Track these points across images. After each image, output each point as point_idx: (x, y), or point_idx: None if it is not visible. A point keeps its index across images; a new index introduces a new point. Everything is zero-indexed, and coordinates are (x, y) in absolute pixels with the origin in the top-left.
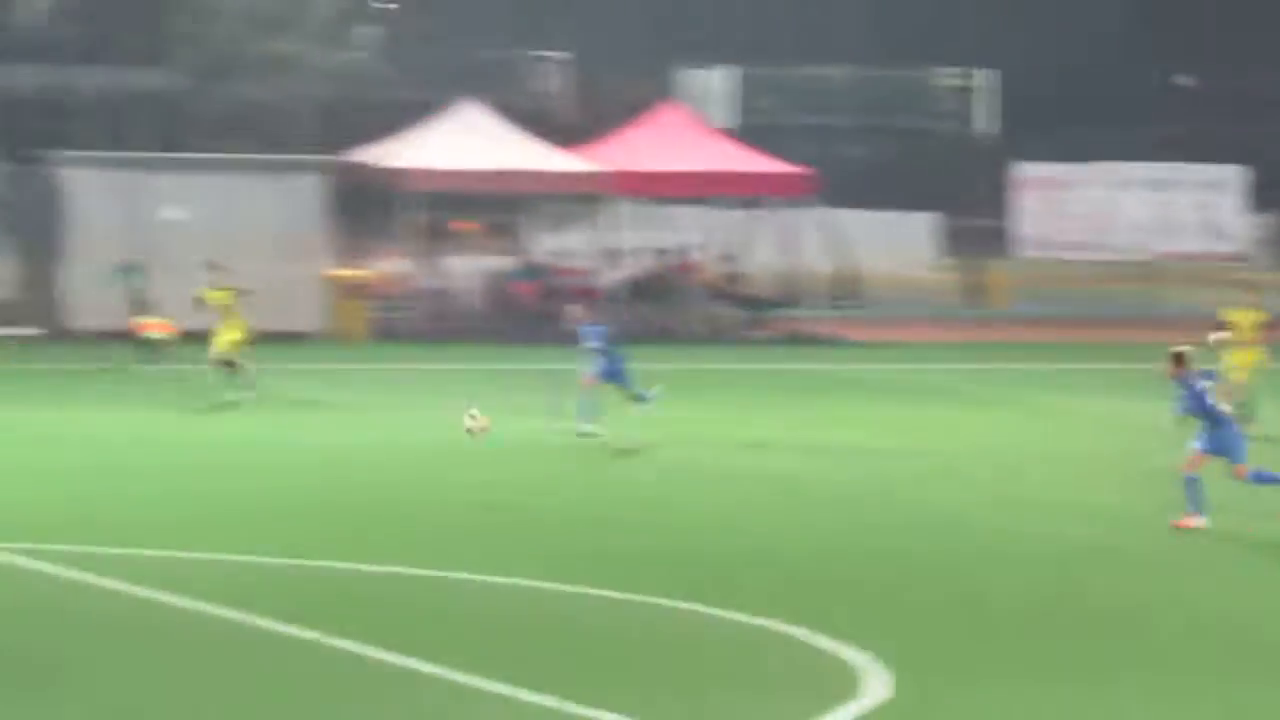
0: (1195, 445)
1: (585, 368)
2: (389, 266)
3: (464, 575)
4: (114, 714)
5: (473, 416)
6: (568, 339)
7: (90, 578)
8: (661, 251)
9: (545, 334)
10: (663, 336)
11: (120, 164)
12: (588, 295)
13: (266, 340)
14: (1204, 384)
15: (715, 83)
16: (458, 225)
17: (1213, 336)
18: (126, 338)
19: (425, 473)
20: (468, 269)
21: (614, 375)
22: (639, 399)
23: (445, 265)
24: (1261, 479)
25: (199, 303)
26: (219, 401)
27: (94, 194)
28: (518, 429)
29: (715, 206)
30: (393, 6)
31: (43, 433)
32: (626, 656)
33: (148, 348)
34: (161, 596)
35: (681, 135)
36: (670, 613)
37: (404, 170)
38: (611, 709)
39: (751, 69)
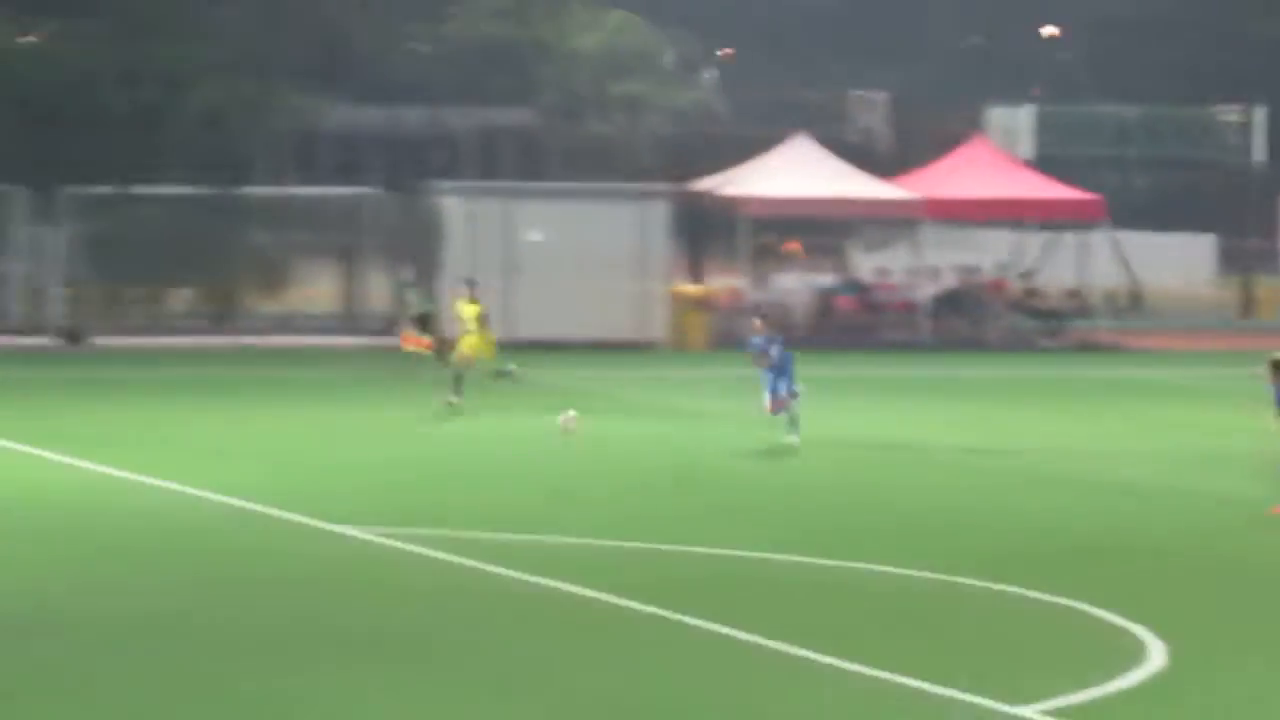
0: None
1: (768, 386)
2: (726, 282)
3: (828, 561)
4: (485, 685)
5: (569, 419)
6: (885, 346)
7: (453, 558)
8: (968, 269)
9: (864, 342)
10: (968, 345)
11: (490, 192)
12: (905, 308)
13: (619, 348)
14: None
15: (1018, 119)
16: (787, 246)
17: None
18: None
19: (769, 468)
20: (796, 284)
21: (779, 387)
22: (792, 401)
23: (776, 281)
24: None
25: (456, 315)
26: (444, 405)
27: (464, 219)
28: (845, 427)
29: (1016, 229)
30: (730, 52)
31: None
32: (958, 634)
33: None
34: (521, 575)
35: (987, 166)
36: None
37: (741, 198)
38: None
39: (1049, 107)
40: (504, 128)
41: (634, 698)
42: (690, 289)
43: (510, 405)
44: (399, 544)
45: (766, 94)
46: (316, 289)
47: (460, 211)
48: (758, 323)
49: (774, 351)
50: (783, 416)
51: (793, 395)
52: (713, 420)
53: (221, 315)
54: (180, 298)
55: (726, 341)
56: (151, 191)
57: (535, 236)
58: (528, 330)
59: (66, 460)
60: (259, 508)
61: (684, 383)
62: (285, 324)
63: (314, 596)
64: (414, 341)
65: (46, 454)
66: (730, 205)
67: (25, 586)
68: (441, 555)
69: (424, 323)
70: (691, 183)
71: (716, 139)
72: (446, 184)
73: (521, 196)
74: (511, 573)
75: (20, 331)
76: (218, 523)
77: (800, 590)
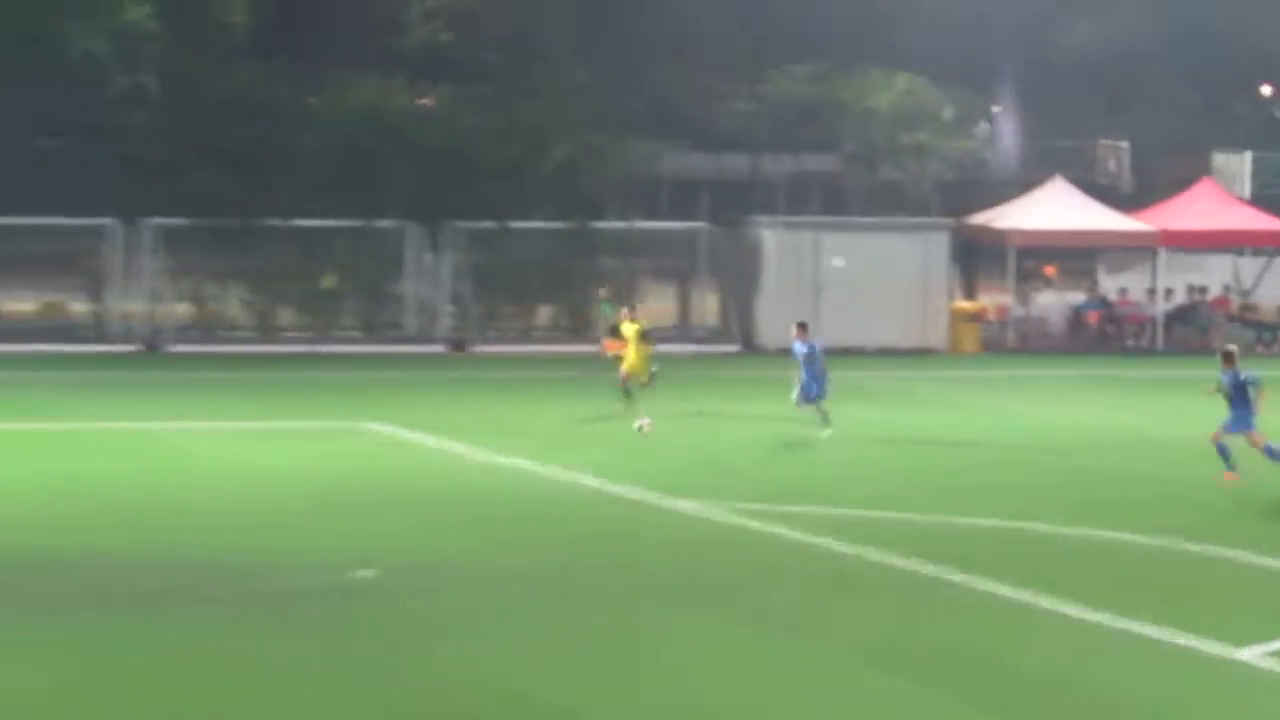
0: None
1: (799, 382)
2: (994, 299)
3: (1073, 531)
4: (862, 652)
5: (644, 420)
6: (1126, 353)
7: (767, 527)
8: (1196, 289)
9: (1109, 349)
10: (1196, 352)
11: (800, 226)
12: (1143, 322)
13: (906, 354)
14: None
15: (1239, 164)
16: (1045, 270)
17: None
18: None
19: (1029, 450)
20: (1052, 302)
21: (810, 386)
22: (820, 400)
23: (1035, 299)
24: None
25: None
26: (616, 411)
27: (779, 248)
28: (1093, 418)
29: (1237, 256)
30: (998, 109)
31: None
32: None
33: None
34: (827, 542)
35: (1213, 203)
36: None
37: (1008, 230)
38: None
39: (1265, 154)
40: (812, 172)
41: (914, 641)
42: (965, 305)
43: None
44: (721, 515)
45: (1030, 143)
46: (657, 306)
47: (775, 242)
48: (795, 330)
49: (808, 353)
50: (811, 411)
51: (821, 396)
52: (983, 413)
53: (577, 327)
54: (544, 313)
55: (993, 347)
56: (521, 226)
57: (838, 262)
58: (830, 339)
59: (454, 445)
60: (612, 486)
61: (959, 381)
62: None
63: (653, 554)
64: (614, 346)
65: (438, 440)
66: (999, 236)
67: (432, 543)
68: (756, 525)
69: (616, 331)
70: (967, 218)
71: (988, 181)
72: (764, 219)
73: (826, 229)
74: (812, 538)
75: (415, 341)
76: (579, 496)
77: (1054, 552)
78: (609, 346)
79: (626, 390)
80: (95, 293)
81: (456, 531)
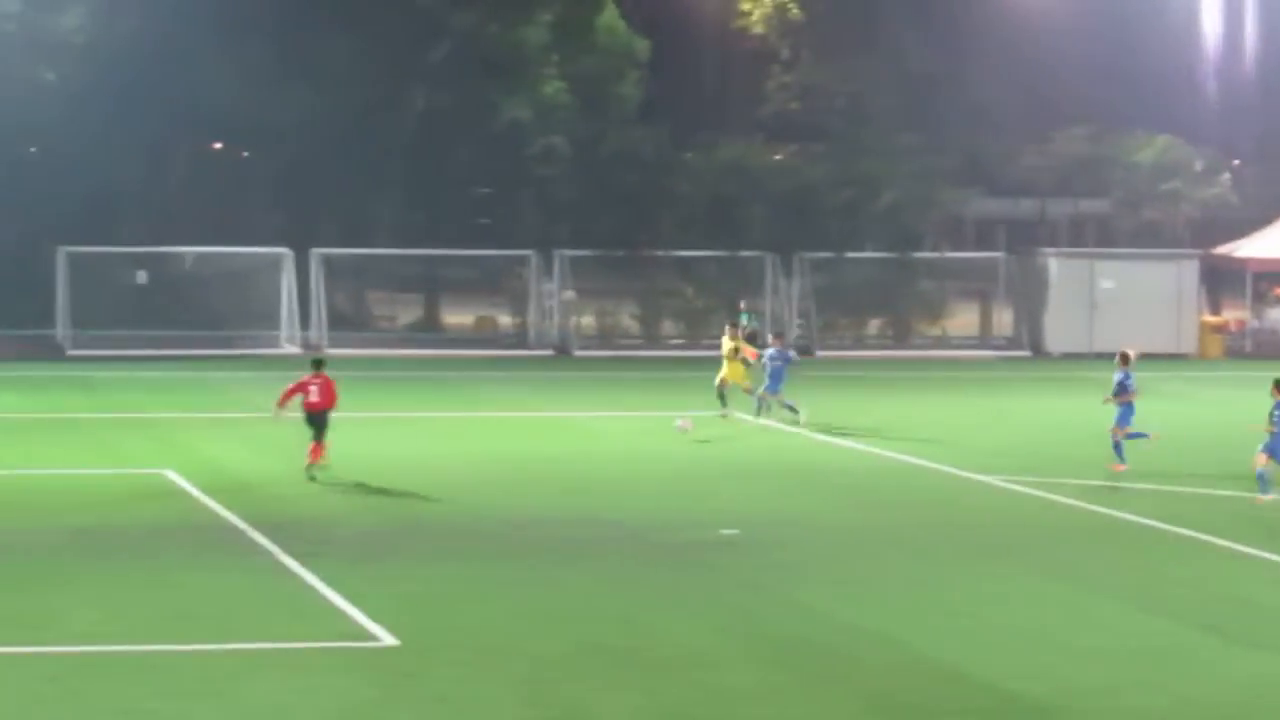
0: None
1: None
2: (1235, 314)
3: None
4: (1125, 594)
5: (685, 420)
6: None
7: (1052, 496)
8: None
9: None
10: None
11: (1076, 256)
12: None
13: (1162, 358)
14: None
15: None
16: (1276, 290)
17: None
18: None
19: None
20: None
21: (776, 384)
22: (785, 406)
23: (1268, 313)
24: None
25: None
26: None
27: (1061, 273)
28: None
29: None
30: (1238, 162)
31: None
32: None
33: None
34: (1094, 508)
35: None
36: None
37: (1246, 258)
38: None
39: None
40: (1088, 213)
41: (1168, 586)
42: (1211, 319)
43: (1071, 391)
44: (1015, 486)
45: (1262, 189)
46: (963, 319)
47: (1058, 268)
48: (771, 338)
49: (776, 358)
50: (775, 405)
51: (774, 393)
52: (1226, 404)
53: (900, 336)
54: (873, 325)
55: (1234, 354)
56: (855, 256)
57: (1108, 285)
58: (1101, 345)
59: (801, 430)
60: (928, 463)
61: (1207, 380)
62: (940, 343)
63: (960, 516)
64: (747, 352)
65: (788, 426)
66: (1238, 263)
67: (785, 507)
68: (1042, 494)
69: (752, 339)
70: (1213, 249)
71: (1229, 220)
72: (1050, 250)
73: (1099, 258)
74: (1089, 506)
75: (766, 347)
76: (902, 471)
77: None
78: (750, 354)
79: (721, 393)
80: (518, 309)
81: (804, 498)
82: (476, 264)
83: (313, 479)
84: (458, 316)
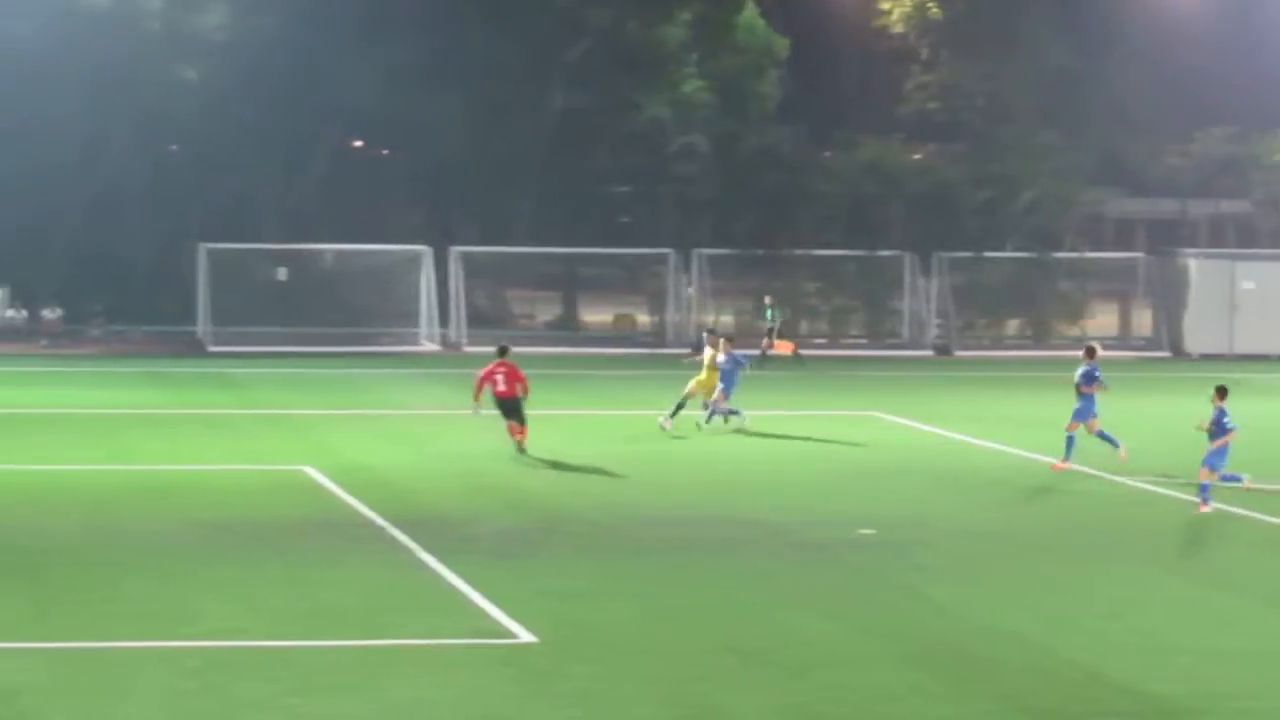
0: None
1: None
2: None
3: None
4: (1257, 595)
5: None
6: None
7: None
8: None
9: None
10: None
11: (1217, 256)
12: None
13: None
14: None
15: None
16: None
17: None
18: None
19: None
20: None
21: (728, 387)
22: (728, 411)
23: None
24: None
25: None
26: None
27: (1201, 274)
28: None
29: None
30: None
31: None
32: None
33: (793, 358)
34: (1255, 514)
35: None
36: None
37: None
38: None
39: None
40: (1228, 214)
41: None
42: None
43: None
44: (1152, 486)
45: None
46: (1103, 320)
47: (1198, 269)
48: (723, 343)
49: (728, 363)
50: (724, 412)
51: (725, 397)
52: None
53: (1038, 336)
54: (1012, 325)
55: None
56: (994, 256)
57: (1248, 285)
58: (1242, 347)
59: (939, 430)
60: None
61: None
62: (1079, 344)
63: (1095, 516)
64: (781, 347)
65: (927, 426)
66: None
67: (924, 507)
68: (1174, 494)
69: (771, 334)
70: None
71: None
72: (1190, 251)
73: (1240, 259)
74: (1228, 508)
75: (908, 346)
76: (1040, 471)
77: None
78: (778, 348)
79: (683, 403)
80: (656, 307)
81: (940, 497)
82: (615, 262)
83: (523, 453)
84: (596, 315)
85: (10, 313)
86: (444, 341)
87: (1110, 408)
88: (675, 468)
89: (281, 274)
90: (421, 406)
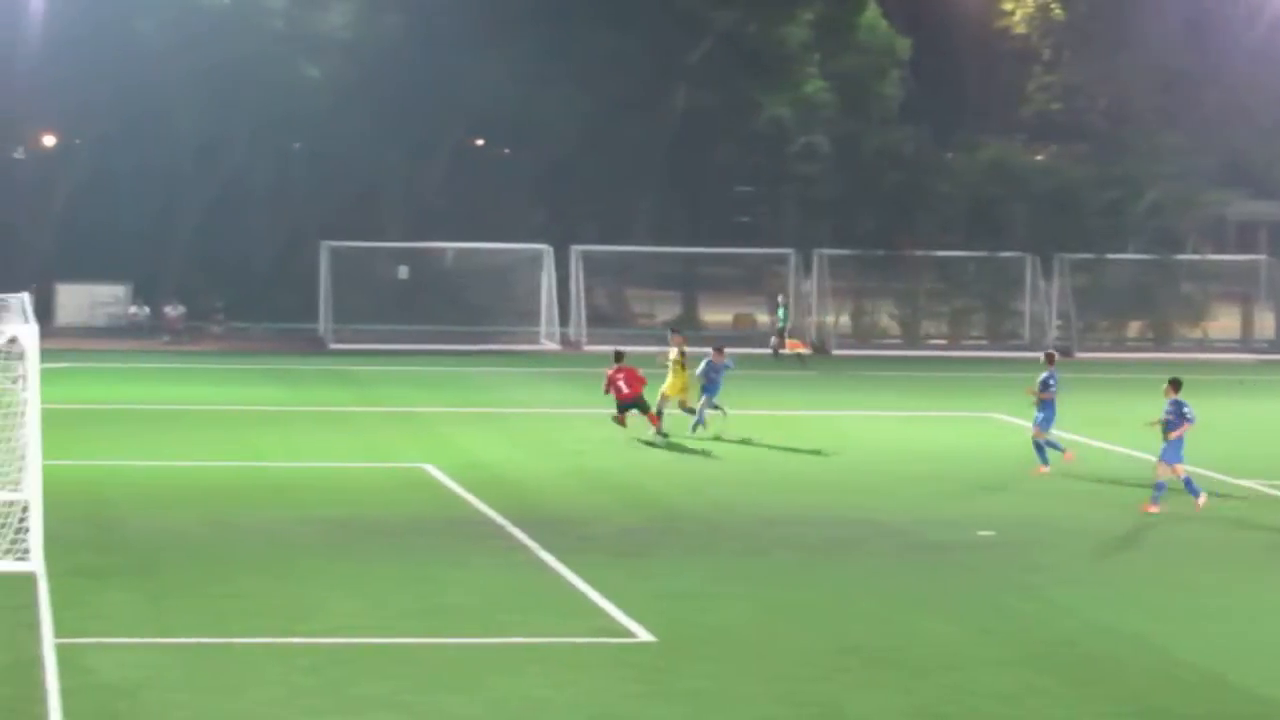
0: None
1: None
2: None
3: None
4: None
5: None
6: None
7: None
8: None
9: None
10: None
11: None
12: None
13: None
14: None
15: None
16: None
17: None
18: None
19: None
20: None
21: (712, 391)
22: (699, 416)
23: None
24: None
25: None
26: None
27: None
28: None
29: None
30: None
31: None
32: None
33: (796, 359)
34: None
35: None
36: None
37: None
38: None
39: None
40: None
41: None
42: None
43: None
44: (1276, 491)
45: None
46: (1223, 323)
47: None
48: (714, 351)
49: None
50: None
51: (712, 406)
52: None
53: (1160, 339)
54: (1133, 328)
55: None
56: (1115, 257)
57: None
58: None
59: (1058, 432)
60: (1187, 467)
61: None
62: (1201, 346)
63: (1210, 522)
64: (794, 345)
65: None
66: None
67: (1040, 509)
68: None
69: (782, 334)
70: None
71: None
72: None
73: None
74: None
75: (1029, 348)
76: (1150, 472)
77: None
78: (792, 346)
79: (660, 410)
80: (776, 307)
81: (1060, 499)
82: (735, 262)
83: (664, 436)
84: (716, 314)
85: (133, 309)
86: (564, 340)
87: (1232, 410)
88: (793, 467)
89: (403, 272)
90: (541, 405)
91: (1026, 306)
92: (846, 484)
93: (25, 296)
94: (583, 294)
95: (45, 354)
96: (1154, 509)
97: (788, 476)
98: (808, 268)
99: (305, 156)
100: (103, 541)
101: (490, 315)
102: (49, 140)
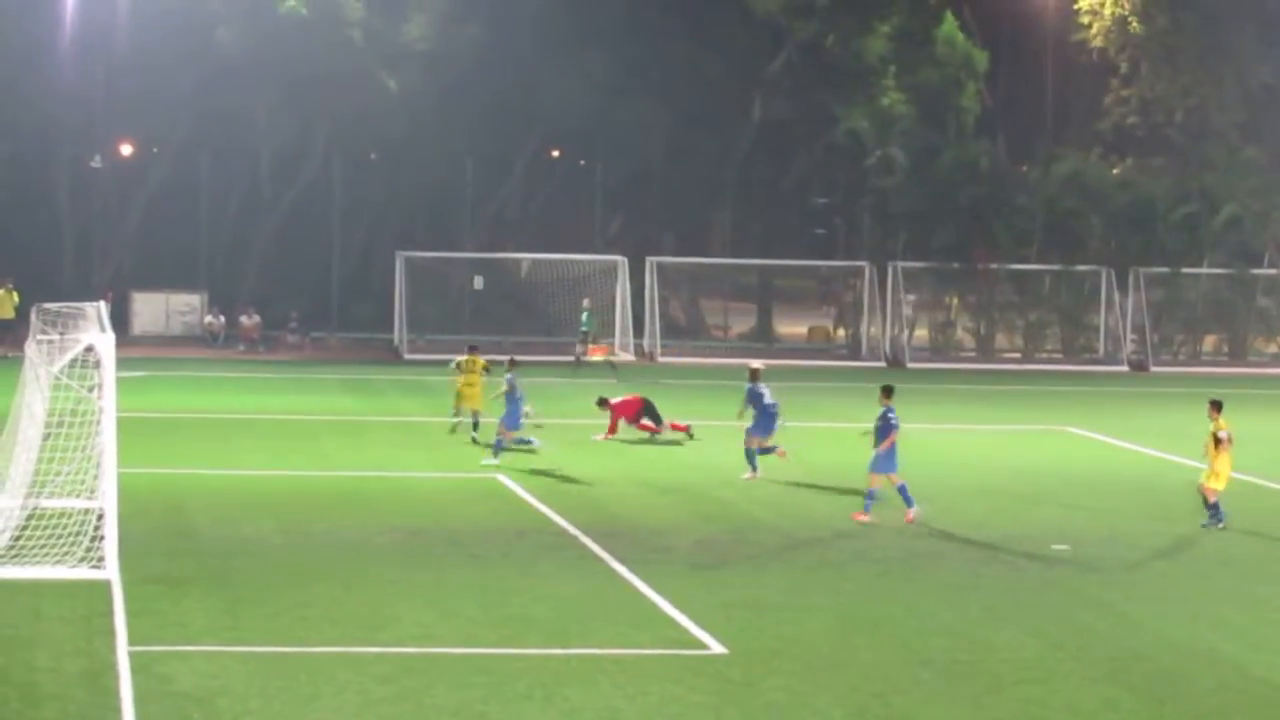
0: None
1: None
2: None
3: None
4: None
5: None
6: None
7: None
8: None
9: None
10: None
11: None
12: None
13: None
14: None
15: None
16: None
17: None
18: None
19: None
20: None
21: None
22: (498, 445)
23: None
24: None
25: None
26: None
27: None
28: None
29: None
30: None
31: None
32: None
33: (608, 366)
34: None
35: None
36: None
37: None
38: None
39: None
40: None
41: None
42: None
43: None
44: None
45: None
46: None
47: None
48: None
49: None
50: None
51: (511, 428)
52: None
53: (1236, 353)
54: (1210, 341)
55: None
56: (1192, 272)
57: None
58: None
59: (1134, 446)
60: (1264, 482)
61: None
62: (1277, 360)
63: None
64: (596, 351)
65: (1121, 442)
66: None
67: (1117, 523)
68: None
69: (586, 340)
70: None
71: None
72: None
73: None
74: None
75: (1103, 361)
76: (1233, 489)
77: None
78: (594, 352)
79: (457, 411)
80: (852, 320)
81: (1133, 513)
82: (811, 274)
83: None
84: (791, 326)
85: (209, 318)
86: (639, 351)
87: None
88: (863, 480)
89: (478, 283)
90: None
91: (1102, 320)
92: (921, 497)
93: (102, 305)
94: (658, 305)
95: (121, 363)
96: (863, 518)
97: (860, 488)
98: (883, 281)
99: (382, 167)
100: (178, 549)
101: (565, 326)
102: (127, 149)
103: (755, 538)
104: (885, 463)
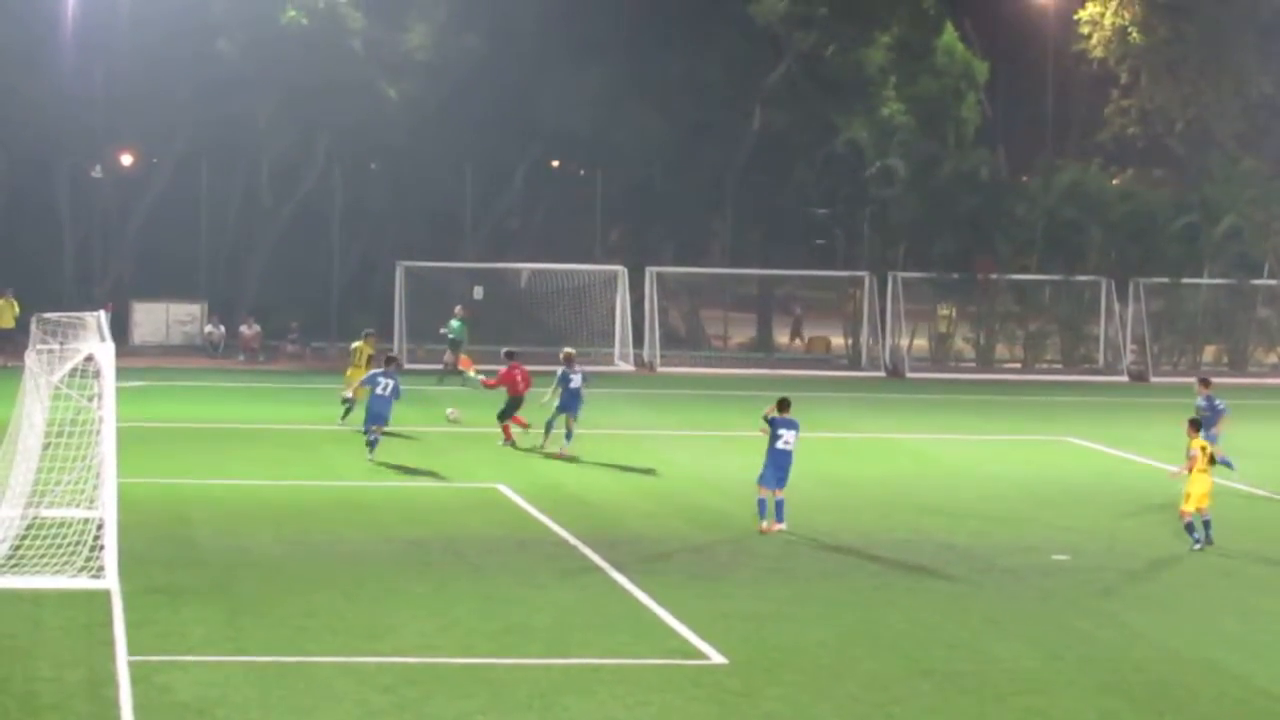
0: None
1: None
2: None
3: None
4: None
5: (454, 413)
6: None
7: None
8: None
9: None
10: None
11: None
12: None
13: None
14: None
15: None
16: None
17: None
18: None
19: None
20: None
21: (571, 407)
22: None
23: None
24: None
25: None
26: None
27: None
28: None
29: None
30: None
31: None
32: None
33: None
34: None
35: None
36: None
37: None
38: None
39: None
40: None
41: None
42: None
43: None
44: None
45: None
46: None
47: None
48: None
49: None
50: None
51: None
52: None
53: (1236, 364)
54: (1209, 352)
55: None
56: (1192, 282)
57: None
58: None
59: (1133, 456)
60: (1263, 492)
61: None
62: (1277, 370)
63: None
64: (467, 363)
65: (1120, 452)
66: None
67: (1117, 534)
68: None
69: (456, 347)
70: None
71: None
72: None
73: None
74: None
75: (1103, 372)
76: (1238, 500)
77: None
78: (464, 364)
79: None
80: (851, 330)
81: (1132, 524)
82: (810, 285)
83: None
84: (787, 337)
85: (209, 328)
86: (638, 362)
87: None
88: (868, 490)
89: (478, 293)
90: (614, 426)
91: (1102, 330)
92: (920, 507)
93: (102, 314)
94: (657, 315)
95: (121, 372)
96: (764, 527)
97: (862, 499)
98: (883, 290)
99: (382, 176)
100: (178, 559)
101: (565, 336)
102: (127, 159)
103: (754, 548)
104: (770, 477)
